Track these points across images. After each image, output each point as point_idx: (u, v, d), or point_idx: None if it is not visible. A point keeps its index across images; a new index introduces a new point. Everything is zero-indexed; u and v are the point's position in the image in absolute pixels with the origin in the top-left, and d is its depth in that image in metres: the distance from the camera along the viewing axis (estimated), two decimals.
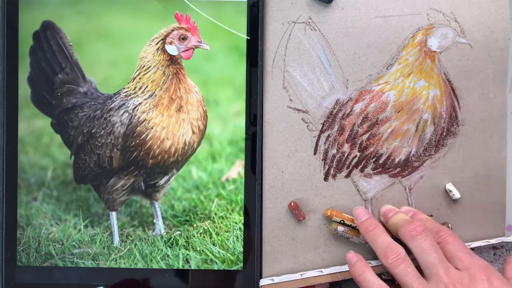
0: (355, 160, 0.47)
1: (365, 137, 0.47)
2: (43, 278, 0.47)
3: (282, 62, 0.47)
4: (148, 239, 0.47)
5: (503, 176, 0.48)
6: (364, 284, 0.41)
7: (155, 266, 0.47)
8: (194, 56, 0.46)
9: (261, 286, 0.46)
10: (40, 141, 0.47)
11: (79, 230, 0.47)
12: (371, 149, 0.47)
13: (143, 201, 0.48)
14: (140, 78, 0.46)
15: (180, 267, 0.47)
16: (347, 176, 0.47)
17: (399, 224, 0.43)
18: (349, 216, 0.47)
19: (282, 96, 0.47)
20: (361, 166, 0.47)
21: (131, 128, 0.45)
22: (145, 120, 0.45)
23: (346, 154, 0.47)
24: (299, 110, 0.47)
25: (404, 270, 0.40)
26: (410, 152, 0.47)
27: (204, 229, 0.47)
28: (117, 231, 0.47)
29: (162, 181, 0.47)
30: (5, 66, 0.46)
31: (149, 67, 0.45)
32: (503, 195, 0.48)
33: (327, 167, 0.47)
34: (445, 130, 0.47)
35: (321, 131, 0.47)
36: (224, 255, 0.47)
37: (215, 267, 0.47)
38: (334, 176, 0.47)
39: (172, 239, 0.47)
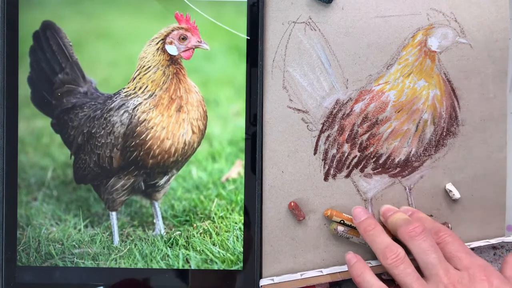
0: (355, 160, 0.47)
1: (365, 137, 0.47)
2: (43, 278, 0.47)
3: (282, 62, 0.47)
4: (148, 239, 0.47)
5: (503, 176, 0.48)
6: (363, 285, 0.41)
7: (155, 266, 0.47)
8: (194, 56, 0.46)
9: (261, 286, 0.46)
10: (40, 141, 0.47)
11: (79, 230, 0.47)
12: (371, 149, 0.47)
13: (143, 201, 0.48)
14: (140, 78, 0.46)
15: (180, 267, 0.47)
16: (347, 176, 0.47)
17: (398, 224, 0.43)
18: (349, 216, 0.47)
19: (282, 96, 0.47)
20: (361, 166, 0.47)
21: (131, 128, 0.45)
22: (145, 120, 0.45)
23: (346, 154, 0.47)
24: (299, 110, 0.47)
25: (403, 271, 0.40)
26: (410, 152, 0.47)
27: (204, 229, 0.47)
28: (117, 231, 0.47)
29: (162, 181, 0.47)
30: (5, 66, 0.46)
31: (149, 67, 0.45)
32: (503, 195, 0.48)
33: (327, 167, 0.47)
34: (445, 130, 0.47)
35: (321, 131, 0.47)
36: (224, 255, 0.47)
37: (215, 267, 0.47)
38: (334, 176, 0.47)
39: (172, 239, 0.47)
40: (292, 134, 0.47)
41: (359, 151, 0.47)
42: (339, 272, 0.46)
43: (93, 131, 0.46)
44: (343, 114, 0.47)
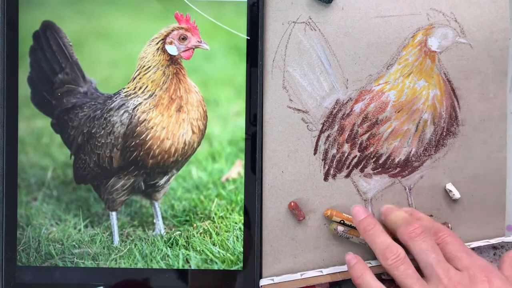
0: (355, 160, 0.47)
1: (365, 137, 0.47)
2: (43, 278, 0.47)
3: (282, 62, 0.47)
4: (148, 239, 0.47)
5: (503, 176, 0.48)
6: (363, 286, 0.41)
7: (155, 266, 0.47)
8: (194, 56, 0.46)
9: (261, 286, 0.46)
10: (40, 141, 0.47)
11: (79, 230, 0.47)
12: (371, 149, 0.47)
13: (143, 201, 0.48)
14: (140, 78, 0.46)
15: (180, 267, 0.47)
16: (347, 176, 0.47)
17: (398, 224, 0.43)
18: (349, 216, 0.47)
19: (282, 96, 0.47)
20: (361, 166, 0.47)
21: (131, 128, 0.45)
22: (145, 120, 0.45)
23: (346, 154, 0.47)
24: (299, 110, 0.47)
25: (404, 272, 0.40)
26: (410, 152, 0.47)
27: (204, 229, 0.47)
28: (117, 231, 0.47)
29: (162, 181, 0.47)
30: (5, 66, 0.46)
31: (149, 67, 0.45)
32: (503, 195, 0.48)
33: (327, 167, 0.47)
34: (445, 130, 0.47)
35: (321, 131, 0.47)
36: (224, 255, 0.47)
37: (215, 267, 0.47)
38: (334, 176, 0.47)
39: (172, 239, 0.47)
40: (292, 134, 0.47)
41: (359, 151, 0.47)
42: (339, 272, 0.46)
43: (93, 131, 0.46)
44: (343, 114, 0.47)
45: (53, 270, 0.47)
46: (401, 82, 0.47)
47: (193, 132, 0.46)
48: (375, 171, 0.48)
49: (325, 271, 0.46)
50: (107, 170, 0.46)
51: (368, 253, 0.47)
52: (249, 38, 0.46)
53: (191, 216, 0.48)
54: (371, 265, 0.46)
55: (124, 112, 0.45)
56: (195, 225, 0.47)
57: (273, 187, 0.47)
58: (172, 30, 0.45)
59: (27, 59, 0.46)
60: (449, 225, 0.47)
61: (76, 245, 0.47)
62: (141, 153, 0.46)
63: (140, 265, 0.47)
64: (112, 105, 0.46)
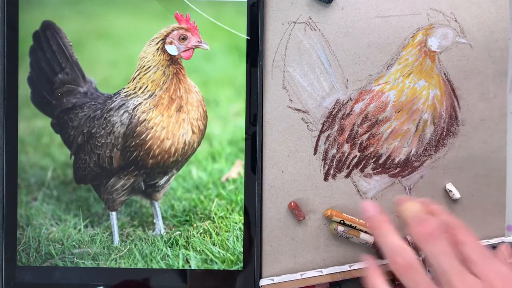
0: (355, 160, 0.47)
1: (365, 137, 0.47)
2: (43, 278, 0.47)
3: (282, 62, 0.47)
4: (148, 239, 0.47)
5: (503, 176, 0.48)
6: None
7: (155, 266, 0.47)
8: (194, 56, 0.46)
9: (261, 286, 0.46)
10: (40, 141, 0.47)
11: (79, 230, 0.47)
12: (371, 149, 0.47)
13: (143, 201, 0.48)
14: (140, 78, 0.46)
15: (180, 267, 0.47)
16: (347, 176, 0.47)
17: (408, 220, 0.39)
18: (349, 216, 0.47)
19: (282, 96, 0.47)
20: (361, 166, 0.47)
21: (131, 128, 0.45)
22: (145, 120, 0.45)
23: (346, 154, 0.47)
24: (299, 110, 0.47)
25: (412, 279, 0.36)
26: (410, 152, 0.47)
27: (204, 229, 0.47)
28: (117, 231, 0.47)
29: (162, 181, 0.47)
30: (5, 66, 0.46)
31: (149, 67, 0.45)
32: (503, 195, 0.48)
33: (327, 167, 0.47)
34: (445, 130, 0.47)
35: (321, 131, 0.47)
36: (224, 255, 0.47)
37: (215, 267, 0.47)
38: (334, 176, 0.47)
39: (172, 239, 0.47)
40: (292, 134, 0.47)
41: (359, 151, 0.47)
42: (339, 272, 0.46)
43: (93, 131, 0.46)
44: (343, 114, 0.47)
45: (53, 270, 0.47)
46: (401, 82, 0.47)
47: (193, 132, 0.46)
48: (375, 171, 0.48)
49: (325, 271, 0.46)
50: (107, 170, 0.46)
51: (369, 253, 0.47)
52: (249, 38, 0.46)
53: (191, 216, 0.48)
54: None
55: (124, 112, 0.45)
56: (195, 225, 0.47)
57: (273, 187, 0.47)
58: (172, 30, 0.45)
59: (27, 59, 0.46)
60: None
61: (76, 245, 0.47)
62: (141, 153, 0.46)
63: (140, 265, 0.47)
64: (112, 105, 0.46)
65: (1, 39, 0.46)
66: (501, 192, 0.48)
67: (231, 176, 0.48)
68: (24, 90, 0.47)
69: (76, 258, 0.47)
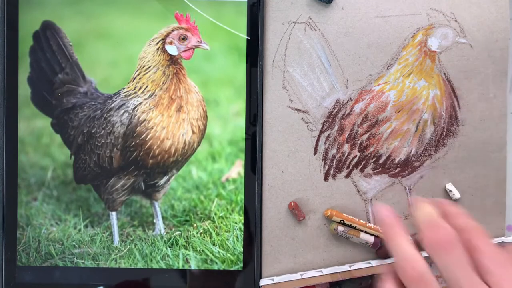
0: (355, 160, 0.47)
1: (365, 137, 0.47)
2: (43, 278, 0.47)
3: (282, 62, 0.47)
4: (148, 239, 0.47)
5: (503, 176, 0.48)
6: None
7: (155, 266, 0.47)
8: (194, 56, 0.46)
9: (261, 286, 0.46)
10: (40, 141, 0.47)
11: (79, 230, 0.47)
12: (371, 149, 0.47)
13: (143, 201, 0.48)
14: (140, 78, 0.46)
15: (180, 267, 0.47)
16: (347, 176, 0.47)
17: (420, 227, 0.36)
18: (349, 216, 0.47)
19: (282, 96, 0.47)
20: (361, 166, 0.47)
21: (131, 128, 0.45)
22: (145, 120, 0.45)
23: (346, 154, 0.47)
24: (299, 110, 0.47)
25: None
26: (410, 152, 0.47)
27: (204, 229, 0.47)
28: (117, 231, 0.47)
29: (162, 181, 0.47)
30: (5, 66, 0.46)
31: (149, 67, 0.45)
32: (503, 195, 0.48)
33: (327, 167, 0.47)
34: (445, 130, 0.47)
35: (321, 131, 0.47)
36: (224, 255, 0.47)
37: (215, 267, 0.47)
38: (334, 176, 0.47)
39: (172, 239, 0.47)
40: (292, 134, 0.47)
41: (359, 151, 0.47)
42: (339, 272, 0.46)
43: (93, 131, 0.46)
44: (343, 114, 0.47)
45: (53, 270, 0.47)
46: (401, 82, 0.47)
47: (193, 132, 0.46)
48: (375, 171, 0.48)
49: (325, 271, 0.46)
50: (107, 170, 0.46)
51: (369, 253, 0.47)
52: (249, 38, 0.46)
53: (191, 216, 0.48)
54: (371, 265, 0.46)
55: (124, 112, 0.45)
56: (195, 225, 0.47)
57: (273, 187, 0.47)
58: (172, 30, 0.45)
59: (27, 59, 0.46)
60: None
61: (76, 245, 0.47)
62: (141, 153, 0.46)
63: (140, 265, 0.47)
64: (112, 105, 0.46)
65: (1, 39, 0.46)
66: (501, 192, 0.48)
67: (231, 176, 0.48)
68: (24, 90, 0.47)
69: (76, 258, 0.47)
